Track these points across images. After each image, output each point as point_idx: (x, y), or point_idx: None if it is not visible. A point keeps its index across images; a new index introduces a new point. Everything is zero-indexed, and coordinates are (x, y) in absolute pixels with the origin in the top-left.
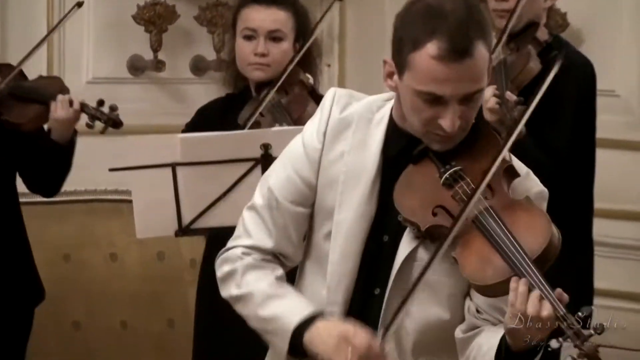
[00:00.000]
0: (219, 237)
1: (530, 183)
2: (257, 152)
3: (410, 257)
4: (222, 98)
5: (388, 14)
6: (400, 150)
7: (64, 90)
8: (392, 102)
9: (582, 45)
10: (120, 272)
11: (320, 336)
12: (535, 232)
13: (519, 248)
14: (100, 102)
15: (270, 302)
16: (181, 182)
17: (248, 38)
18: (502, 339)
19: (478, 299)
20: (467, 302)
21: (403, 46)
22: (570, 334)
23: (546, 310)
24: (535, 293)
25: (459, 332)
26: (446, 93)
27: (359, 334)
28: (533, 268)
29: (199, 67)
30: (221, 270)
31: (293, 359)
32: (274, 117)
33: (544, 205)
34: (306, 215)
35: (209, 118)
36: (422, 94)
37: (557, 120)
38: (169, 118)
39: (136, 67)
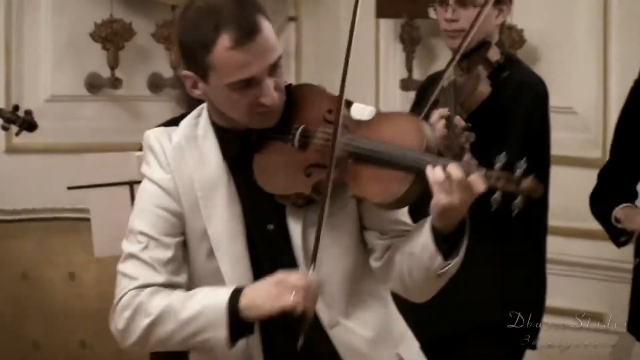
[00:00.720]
0: None
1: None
2: None
3: (306, 227)
4: (179, 117)
5: (344, 31)
6: (239, 148)
7: None
8: (204, 113)
9: (539, 62)
10: (78, 291)
11: (257, 295)
12: (408, 131)
13: (404, 151)
14: (16, 107)
15: (189, 301)
16: None
17: None
18: (431, 230)
19: (375, 224)
20: (366, 235)
21: (196, 53)
22: (503, 183)
23: (472, 172)
24: (452, 165)
25: (374, 262)
26: (255, 73)
27: (292, 274)
28: (428, 156)
29: (156, 84)
30: (122, 317)
31: (235, 343)
32: None
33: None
34: (183, 246)
35: None
36: (234, 84)
37: (505, 141)
38: (127, 136)
39: (94, 84)
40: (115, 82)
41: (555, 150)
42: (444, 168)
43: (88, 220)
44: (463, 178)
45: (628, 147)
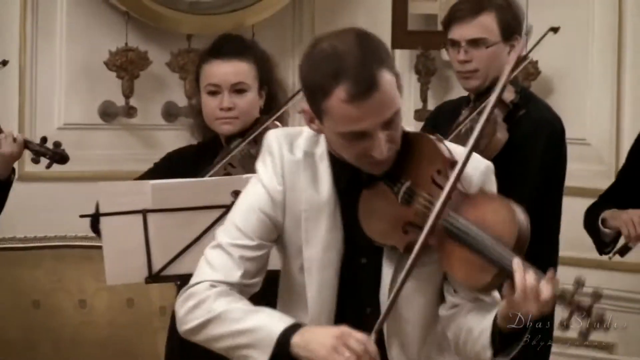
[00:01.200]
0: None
1: (473, 164)
2: (229, 199)
3: (397, 270)
4: (194, 146)
5: None
6: (348, 180)
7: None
8: (322, 141)
9: (553, 93)
10: (89, 318)
11: (313, 339)
12: (504, 221)
13: (495, 244)
14: (44, 139)
15: (250, 315)
16: (152, 228)
17: (212, 93)
18: (494, 321)
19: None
20: (444, 285)
21: (315, 95)
22: (575, 307)
23: (545, 288)
24: (544, 283)
25: (442, 310)
26: (367, 128)
27: (354, 334)
28: (514, 255)
29: (170, 113)
30: (186, 305)
31: None
32: (244, 168)
33: (493, 178)
34: (268, 251)
35: (178, 164)
36: (345, 134)
37: (524, 180)
38: (140, 164)
39: (108, 113)
40: (130, 111)
41: (569, 181)
42: (537, 280)
43: (100, 248)
44: (535, 288)
45: (636, 174)
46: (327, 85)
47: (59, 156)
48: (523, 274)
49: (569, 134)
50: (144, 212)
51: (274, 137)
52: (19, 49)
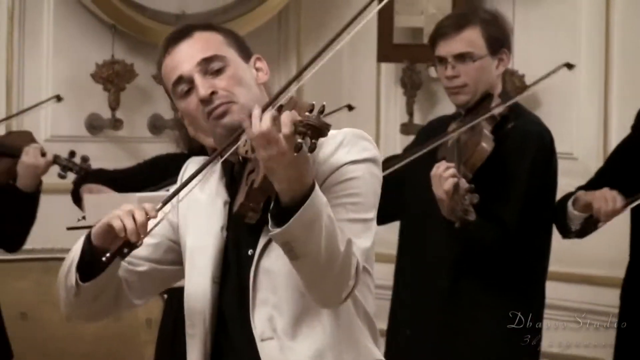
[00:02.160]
0: (175, 298)
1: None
2: None
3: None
4: (180, 155)
5: (346, 69)
6: (229, 176)
7: (34, 142)
8: None
9: (540, 107)
10: (76, 331)
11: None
12: None
13: None
14: (72, 153)
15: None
16: None
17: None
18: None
19: None
20: None
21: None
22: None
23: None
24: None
25: None
26: (183, 72)
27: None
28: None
29: (156, 125)
30: None
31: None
32: None
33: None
34: (164, 248)
35: (162, 170)
36: (174, 90)
37: (509, 194)
38: None
39: (94, 125)
40: (116, 123)
41: (556, 195)
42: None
43: None
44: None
45: (615, 175)
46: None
47: (84, 171)
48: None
49: (556, 148)
50: None
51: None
52: (6, 61)
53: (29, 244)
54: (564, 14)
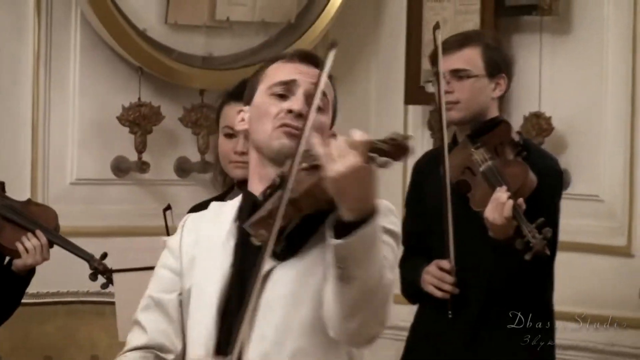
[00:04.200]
0: None
1: None
2: None
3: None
4: (212, 199)
5: (374, 111)
6: (250, 212)
7: (58, 227)
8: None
9: (566, 149)
10: None
11: None
12: None
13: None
14: (104, 256)
15: None
16: None
17: (229, 136)
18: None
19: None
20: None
21: (251, 85)
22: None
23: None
24: None
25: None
26: (295, 77)
27: None
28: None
29: (183, 168)
30: None
31: None
32: None
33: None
34: (178, 302)
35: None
36: (275, 87)
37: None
38: (153, 219)
39: (120, 168)
40: (143, 166)
41: (581, 237)
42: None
43: (112, 304)
44: (362, 136)
45: None
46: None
47: (110, 276)
48: (319, 140)
49: (581, 189)
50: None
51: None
52: (32, 104)
53: (54, 287)
54: (591, 56)
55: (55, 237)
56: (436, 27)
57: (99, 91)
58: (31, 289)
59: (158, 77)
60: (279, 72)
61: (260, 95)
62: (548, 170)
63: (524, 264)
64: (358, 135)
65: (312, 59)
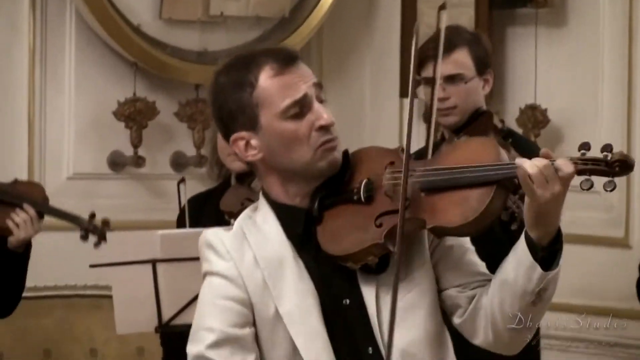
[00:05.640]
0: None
1: None
2: None
3: (379, 294)
4: (207, 191)
5: (368, 110)
6: (304, 224)
7: (46, 199)
8: (261, 201)
9: (562, 141)
10: None
11: None
12: (480, 148)
13: (481, 165)
14: (92, 215)
15: None
16: (161, 278)
17: None
18: (526, 240)
19: (455, 280)
20: (446, 296)
21: (242, 107)
22: (591, 164)
23: (562, 162)
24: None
25: (458, 319)
26: (306, 91)
27: None
28: (507, 163)
29: (179, 162)
30: None
31: None
32: None
33: None
34: (252, 336)
35: (202, 207)
36: (288, 110)
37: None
38: (149, 214)
39: (116, 163)
40: (139, 161)
41: (578, 229)
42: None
43: (110, 297)
44: (550, 165)
45: None
46: (250, 79)
47: (104, 235)
48: (531, 162)
49: (578, 181)
50: (154, 262)
51: (208, 233)
52: (28, 100)
53: (51, 281)
54: (586, 48)
55: (43, 207)
56: (442, 7)
57: (95, 87)
58: (29, 282)
59: (153, 72)
60: (284, 91)
61: (272, 121)
62: (534, 150)
63: (512, 240)
64: (567, 167)
65: (295, 56)
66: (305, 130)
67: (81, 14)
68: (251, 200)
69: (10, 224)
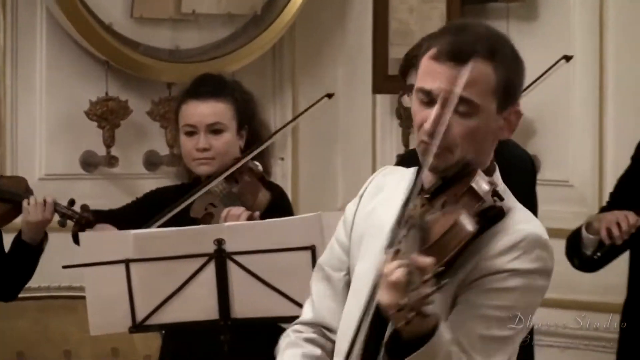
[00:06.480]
0: (174, 333)
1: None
2: (211, 248)
3: None
4: (175, 186)
5: (341, 108)
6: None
7: (29, 190)
8: (408, 171)
9: (535, 135)
10: None
11: None
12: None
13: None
14: (71, 202)
15: None
16: (135, 278)
17: (189, 134)
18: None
19: None
20: None
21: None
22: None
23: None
24: None
25: None
26: (432, 88)
27: None
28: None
29: (152, 162)
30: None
31: None
32: (226, 207)
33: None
34: (344, 282)
35: (156, 204)
36: (417, 92)
37: None
38: None
39: (89, 162)
40: (111, 161)
41: (551, 223)
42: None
43: (84, 298)
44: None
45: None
46: (427, 43)
47: (85, 220)
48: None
49: (551, 175)
50: (127, 262)
51: (381, 170)
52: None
53: None
54: (558, 42)
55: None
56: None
57: (66, 86)
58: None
59: (125, 71)
60: (426, 75)
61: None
62: (509, 164)
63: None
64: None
65: (461, 57)
66: (419, 121)
67: (52, 13)
68: (214, 205)
69: (24, 204)
